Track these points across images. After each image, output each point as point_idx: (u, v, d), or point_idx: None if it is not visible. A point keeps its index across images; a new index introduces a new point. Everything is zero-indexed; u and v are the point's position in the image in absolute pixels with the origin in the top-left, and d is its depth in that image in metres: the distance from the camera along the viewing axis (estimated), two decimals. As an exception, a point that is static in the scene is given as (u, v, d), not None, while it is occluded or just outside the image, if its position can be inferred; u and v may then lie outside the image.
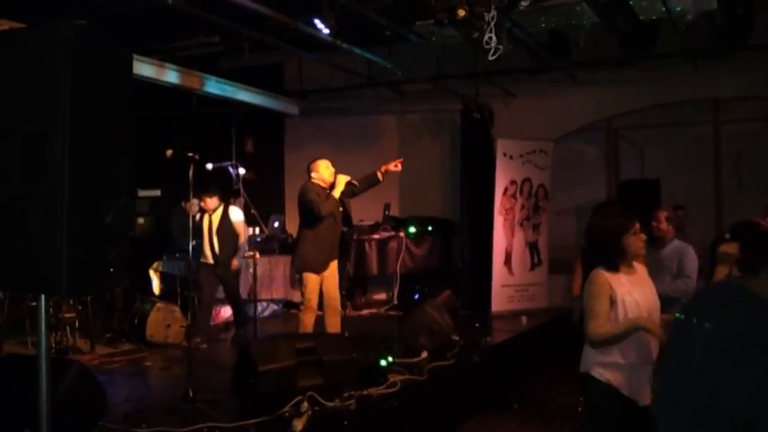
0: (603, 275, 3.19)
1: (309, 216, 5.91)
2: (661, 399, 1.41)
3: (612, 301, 3.15)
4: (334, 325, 6.15)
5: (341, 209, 6.12)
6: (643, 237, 3.31)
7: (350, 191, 6.16)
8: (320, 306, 6.16)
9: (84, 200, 2.13)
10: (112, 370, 6.00)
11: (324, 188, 5.99)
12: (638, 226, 3.29)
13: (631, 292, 3.17)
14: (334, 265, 6.13)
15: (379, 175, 6.18)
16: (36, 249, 2.08)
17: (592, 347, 3.24)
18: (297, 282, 6.14)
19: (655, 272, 4.78)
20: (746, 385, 1.24)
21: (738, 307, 1.34)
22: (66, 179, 2.05)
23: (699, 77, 8.53)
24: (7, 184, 2.15)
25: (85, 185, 2.14)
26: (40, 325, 2.26)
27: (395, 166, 6.19)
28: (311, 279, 5.96)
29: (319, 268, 5.97)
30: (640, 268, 3.36)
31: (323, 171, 6.04)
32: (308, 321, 5.99)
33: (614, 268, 3.21)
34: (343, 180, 5.98)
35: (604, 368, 3.19)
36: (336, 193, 5.93)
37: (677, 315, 1.47)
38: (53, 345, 6.20)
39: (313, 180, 6.04)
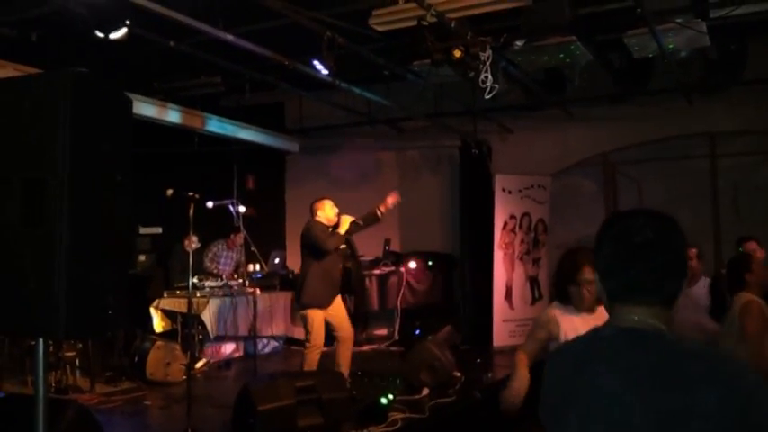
0: (553, 312, 3.30)
1: (315, 251, 6.03)
2: None
3: (554, 337, 3.22)
4: (347, 357, 6.16)
5: (343, 246, 6.20)
6: (591, 289, 3.14)
7: (352, 229, 6.25)
8: (328, 341, 6.19)
9: (82, 244, 2.17)
10: (112, 409, 5.97)
11: (328, 227, 6.13)
12: (586, 274, 3.15)
13: (578, 330, 3.05)
14: (338, 299, 6.21)
15: (379, 213, 6.27)
16: (34, 293, 2.11)
17: None
18: (300, 319, 6.14)
19: (690, 309, 4.79)
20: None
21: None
22: (65, 224, 2.10)
23: (694, 112, 8.61)
24: (7, 228, 2.19)
25: (84, 230, 2.18)
26: (38, 367, 2.28)
27: (392, 201, 6.29)
28: (317, 316, 6.00)
29: (325, 303, 6.04)
30: (601, 310, 3.28)
31: (327, 211, 6.17)
32: (312, 359, 6.00)
33: (566, 302, 3.30)
34: (347, 221, 6.12)
35: None
36: (342, 230, 6.08)
37: None
38: (53, 383, 6.19)
39: (317, 219, 6.16)
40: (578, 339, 1.63)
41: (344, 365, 6.09)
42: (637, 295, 1.50)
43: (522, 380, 3.17)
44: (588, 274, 3.15)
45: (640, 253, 1.50)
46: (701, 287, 5.03)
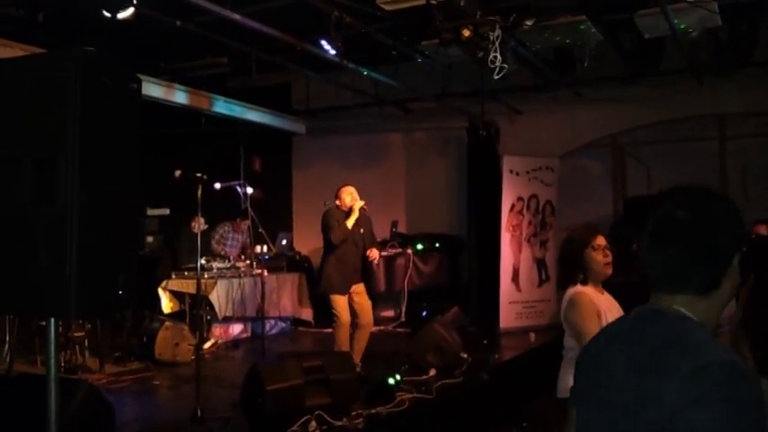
0: (586, 294, 3.04)
1: (327, 240, 6.24)
2: None
3: (598, 317, 2.98)
4: (362, 343, 6.28)
5: (362, 230, 6.30)
6: (608, 253, 3.08)
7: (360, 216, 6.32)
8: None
9: (93, 224, 2.17)
10: (121, 389, 6.01)
11: (344, 213, 6.26)
12: (600, 240, 3.10)
13: (611, 310, 3.03)
14: (360, 286, 6.33)
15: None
16: (45, 273, 2.11)
17: None
18: (328, 302, 6.26)
19: None
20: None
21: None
22: (76, 204, 2.09)
23: (704, 94, 8.54)
24: (18, 208, 2.19)
25: (95, 209, 2.18)
26: (50, 347, 2.29)
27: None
28: (338, 298, 6.16)
29: (342, 290, 6.17)
30: (608, 295, 3.18)
31: (344, 197, 6.32)
32: (343, 337, 6.15)
33: (585, 284, 3.08)
34: (357, 207, 6.22)
35: None
36: (350, 223, 6.18)
37: None
38: (62, 363, 6.23)
39: (337, 205, 6.31)
40: (619, 318, 1.54)
41: (358, 352, 6.17)
42: (666, 283, 1.36)
43: None
44: (602, 240, 3.10)
45: (670, 235, 1.35)
46: None
